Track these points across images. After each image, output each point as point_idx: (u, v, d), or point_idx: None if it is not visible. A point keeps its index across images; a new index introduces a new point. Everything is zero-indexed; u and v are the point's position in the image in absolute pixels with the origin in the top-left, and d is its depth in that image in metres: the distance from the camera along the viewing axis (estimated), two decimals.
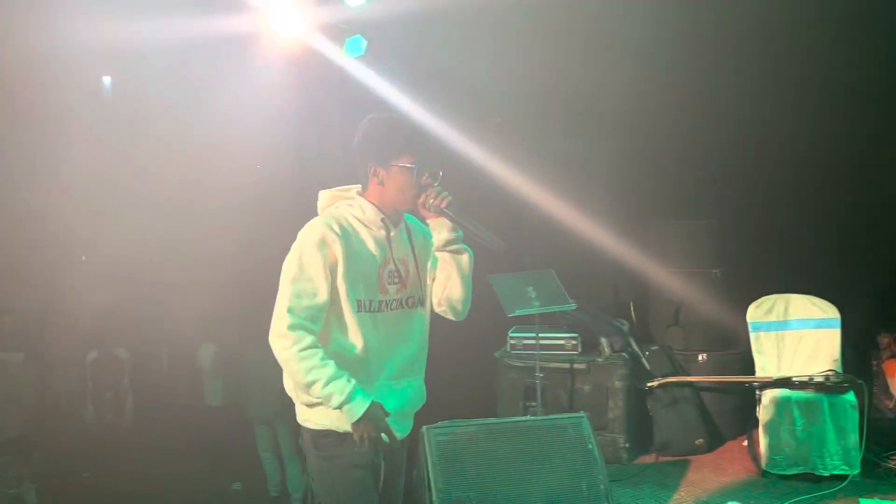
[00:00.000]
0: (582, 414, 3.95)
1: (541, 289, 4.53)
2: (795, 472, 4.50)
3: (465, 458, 3.60)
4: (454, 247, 2.30)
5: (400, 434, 2.31)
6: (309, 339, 2.12)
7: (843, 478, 4.41)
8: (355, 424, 2.11)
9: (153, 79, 5.44)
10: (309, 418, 2.27)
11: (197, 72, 5.36)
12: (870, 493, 4.26)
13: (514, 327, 5.11)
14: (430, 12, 4.70)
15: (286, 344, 2.11)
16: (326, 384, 2.09)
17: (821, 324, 4.90)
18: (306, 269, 2.15)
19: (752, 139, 5.57)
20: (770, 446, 4.51)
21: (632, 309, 5.57)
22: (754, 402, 4.73)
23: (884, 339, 6.42)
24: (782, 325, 4.93)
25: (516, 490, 3.54)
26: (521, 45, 5.23)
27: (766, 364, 4.88)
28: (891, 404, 6.45)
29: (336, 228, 2.18)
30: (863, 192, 5.57)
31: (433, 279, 2.40)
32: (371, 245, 2.24)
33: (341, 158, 4.91)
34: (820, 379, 4.61)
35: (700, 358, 5.17)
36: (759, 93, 5.32)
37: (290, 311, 2.12)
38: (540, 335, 4.68)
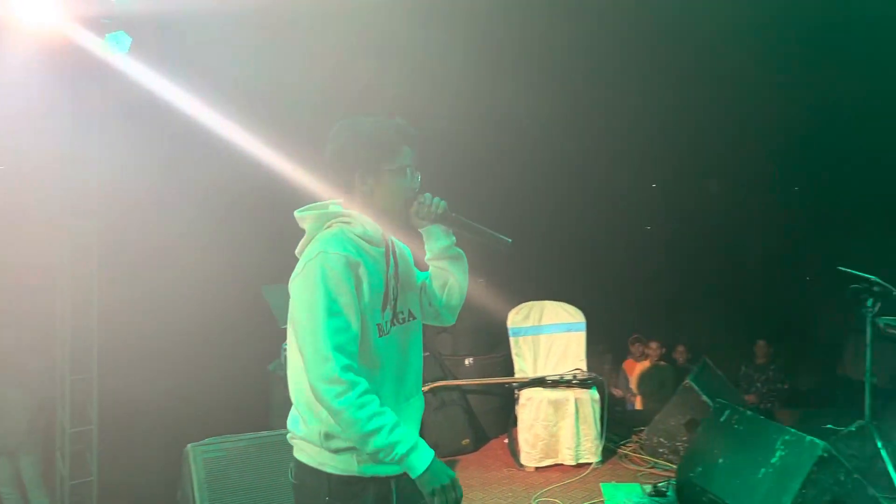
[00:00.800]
0: None
1: None
2: (548, 463, 4.94)
3: (234, 475, 3.52)
4: (453, 252, 2.20)
5: None
6: (364, 383, 1.89)
7: (588, 466, 4.91)
8: (421, 478, 1.88)
9: None
10: (328, 462, 2.02)
11: None
12: (609, 478, 4.79)
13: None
14: (196, 11, 4.55)
15: (341, 390, 1.86)
16: (391, 431, 1.86)
17: (570, 327, 5.42)
18: (338, 300, 1.92)
19: (516, 155, 6.03)
20: (526, 441, 4.91)
21: None
22: (514, 401, 5.12)
23: (633, 343, 7.28)
24: (538, 330, 5.39)
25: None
26: (295, 47, 5.23)
27: (524, 365, 5.31)
28: (630, 398, 7.31)
29: (353, 251, 1.98)
30: (611, 209, 6.25)
31: (422, 289, 2.26)
32: (379, 264, 2.06)
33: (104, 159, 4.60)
34: (569, 377, 5.11)
35: (467, 362, 5.48)
36: (515, 106, 5.76)
37: (335, 350, 1.88)
38: None
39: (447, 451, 5.16)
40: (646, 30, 5.25)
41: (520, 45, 5.38)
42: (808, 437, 3.63)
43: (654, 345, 7.04)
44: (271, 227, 5.27)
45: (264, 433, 3.79)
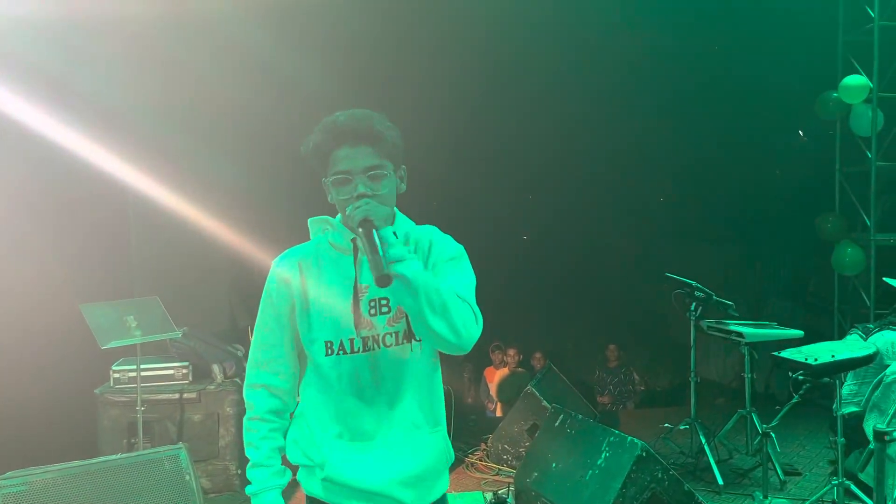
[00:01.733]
0: (180, 445, 3.85)
1: (143, 317, 4.33)
2: None
3: None
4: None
5: None
6: (257, 406, 1.94)
7: None
8: None
9: None
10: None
11: None
12: (454, 487, 4.81)
13: (120, 360, 4.81)
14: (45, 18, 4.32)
15: (245, 408, 1.98)
16: (250, 468, 1.92)
17: None
18: (263, 312, 1.94)
19: None
20: None
21: (250, 333, 5.58)
22: None
23: (494, 351, 7.37)
24: None
25: None
26: (148, 57, 5.06)
27: None
28: (491, 406, 7.40)
29: (309, 257, 1.89)
30: (470, 216, 6.31)
31: None
32: (344, 272, 1.84)
33: None
34: None
35: None
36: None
37: (250, 365, 1.94)
38: (145, 366, 4.48)
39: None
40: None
41: None
42: (630, 438, 3.77)
43: (511, 352, 7.17)
44: (97, 243, 5.04)
45: (75, 463, 3.54)
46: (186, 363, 4.86)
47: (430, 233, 1.93)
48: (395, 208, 1.91)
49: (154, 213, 5.23)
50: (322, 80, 5.54)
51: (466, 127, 6.37)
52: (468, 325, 1.73)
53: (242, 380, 4.92)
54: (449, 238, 1.95)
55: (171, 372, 4.83)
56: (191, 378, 4.86)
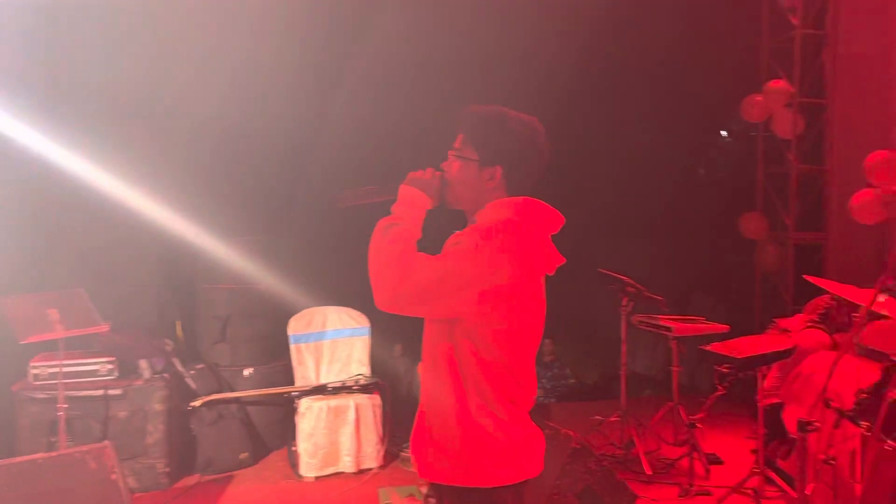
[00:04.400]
0: (105, 443, 3.72)
1: (67, 311, 4.14)
2: (329, 472, 4.85)
3: None
4: None
5: None
6: None
7: (369, 471, 4.89)
8: None
9: None
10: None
11: None
12: (388, 482, 4.80)
13: (40, 354, 4.61)
14: None
15: None
16: None
17: (354, 332, 5.38)
18: None
19: (294, 159, 5.93)
20: (306, 451, 4.80)
21: (178, 328, 5.44)
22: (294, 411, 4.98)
23: None
24: (320, 336, 5.30)
25: None
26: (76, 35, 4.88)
27: (306, 373, 5.19)
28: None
29: None
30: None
31: None
32: None
33: None
34: (350, 383, 5.07)
35: (246, 373, 5.26)
36: (298, 116, 5.68)
37: None
38: (68, 362, 4.30)
39: (224, 467, 4.91)
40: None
41: None
42: (563, 431, 3.83)
43: None
44: (15, 232, 4.80)
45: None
46: (112, 358, 4.69)
47: None
48: None
49: (77, 200, 5.01)
50: (247, 60, 5.44)
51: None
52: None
53: (171, 376, 4.82)
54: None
55: (95, 367, 4.64)
56: (116, 374, 4.69)
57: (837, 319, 4.67)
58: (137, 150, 5.31)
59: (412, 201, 2.02)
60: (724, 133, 8.56)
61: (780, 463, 4.45)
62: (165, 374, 4.80)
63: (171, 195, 5.48)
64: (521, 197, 2.06)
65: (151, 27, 5.26)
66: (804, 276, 4.35)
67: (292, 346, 5.17)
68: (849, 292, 3.65)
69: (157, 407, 4.66)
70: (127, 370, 4.74)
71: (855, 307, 4.54)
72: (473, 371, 1.95)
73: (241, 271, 5.34)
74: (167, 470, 4.64)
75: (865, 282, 4.18)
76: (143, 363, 4.73)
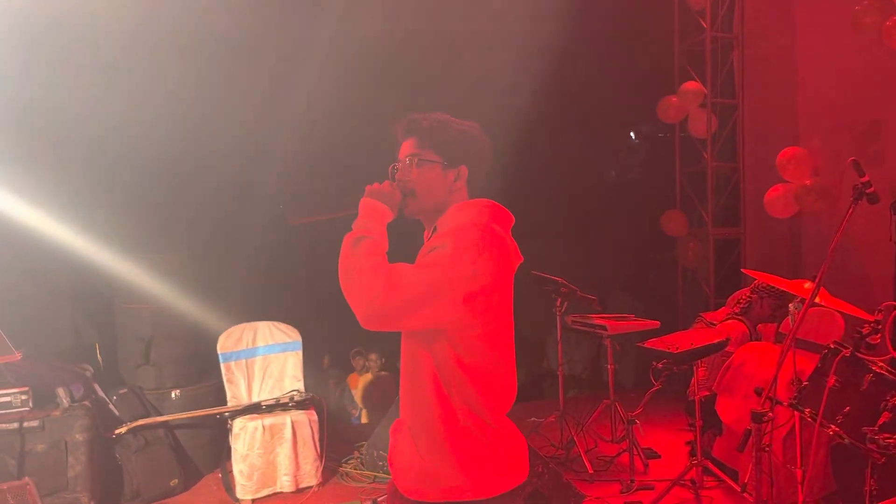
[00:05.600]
0: (25, 480, 3.46)
1: None
2: (266, 493, 4.67)
3: None
4: None
5: None
6: None
7: (309, 490, 4.74)
8: None
9: None
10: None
11: None
12: (330, 498, 4.67)
13: None
14: None
15: None
16: None
17: (286, 347, 5.21)
18: None
19: (211, 172, 5.74)
20: (241, 473, 4.61)
21: (97, 351, 5.14)
22: (227, 432, 4.79)
23: (354, 357, 7.24)
24: (251, 353, 5.11)
25: None
26: None
27: (238, 392, 4.99)
28: (355, 413, 7.28)
29: None
30: (322, 224, 6.17)
31: None
32: None
33: None
34: (285, 400, 4.90)
35: (173, 395, 5.02)
36: (215, 131, 5.50)
37: None
38: None
39: (153, 496, 4.65)
40: None
41: None
42: None
43: (373, 356, 7.08)
44: None
45: None
46: (26, 388, 4.37)
47: None
48: None
49: None
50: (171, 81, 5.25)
51: None
52: None
53: (92, 403, 4.54)
54: None
55: (7, 399, 4.32)
56: (31, 405, 4.38)
57: (759, 311, 4.84)
58: (41, 171, 5.01)
59: (377, 214, 1.96)
60: (631, 134, 8.81)
61: (714, 453, 4.56)
62: (86, 402, 4.51)
63: (81, 214, 5.19)
64: (481, 199, 2.03)
65: (58, 41, 4.96)
66: (743, 270, 4.47)
67: (222, 365, 4.96)
68: (783, 283, 3.76)
69: (78, 437, 4.38)
70: (43, 400, 4.43)
71: (777, 299, 4.72)
72: (458, 378, 1.90)
73: (161, 291, 5.09)
74: (92, 503, 4.37)
75: (782, 272, 4.35)
76: (60, 391, 4.43)
